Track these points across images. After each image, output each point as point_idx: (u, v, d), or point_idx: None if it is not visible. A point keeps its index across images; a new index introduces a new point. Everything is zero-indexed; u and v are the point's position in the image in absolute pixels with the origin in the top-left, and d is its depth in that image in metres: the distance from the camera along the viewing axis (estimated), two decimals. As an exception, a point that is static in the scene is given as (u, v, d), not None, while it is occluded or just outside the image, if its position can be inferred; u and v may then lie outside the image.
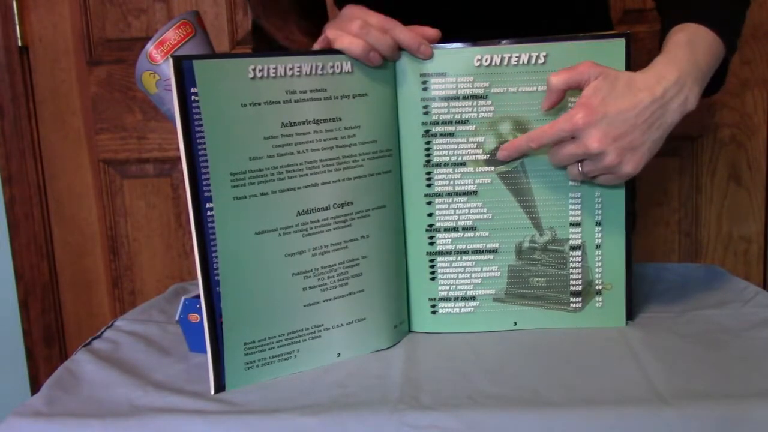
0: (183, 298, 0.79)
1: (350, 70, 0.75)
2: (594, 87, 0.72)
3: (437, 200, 0.80)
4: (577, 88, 0.74)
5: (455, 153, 0.79)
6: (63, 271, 1.64)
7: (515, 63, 0.77)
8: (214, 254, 0.69)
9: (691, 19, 0.78)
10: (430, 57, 0.77)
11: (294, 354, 0.74)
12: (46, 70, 1.56)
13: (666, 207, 1.54)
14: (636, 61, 0.77)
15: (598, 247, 0.80)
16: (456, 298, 0.81)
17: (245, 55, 0.70)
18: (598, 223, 0.80)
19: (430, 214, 0.80)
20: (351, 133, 0.75)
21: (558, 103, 0.75)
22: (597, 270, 0.81)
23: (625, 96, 0.72)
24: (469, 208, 0.80)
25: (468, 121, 0.78)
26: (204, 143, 0.67)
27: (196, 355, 0.78)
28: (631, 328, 0.80)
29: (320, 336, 0.75)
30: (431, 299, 0.81)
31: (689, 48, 0.75)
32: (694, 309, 0.84)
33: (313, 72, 0.72)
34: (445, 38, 0.77)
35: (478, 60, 0.77)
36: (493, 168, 0.79)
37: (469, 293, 0.81)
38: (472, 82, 0.77)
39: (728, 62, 0.81)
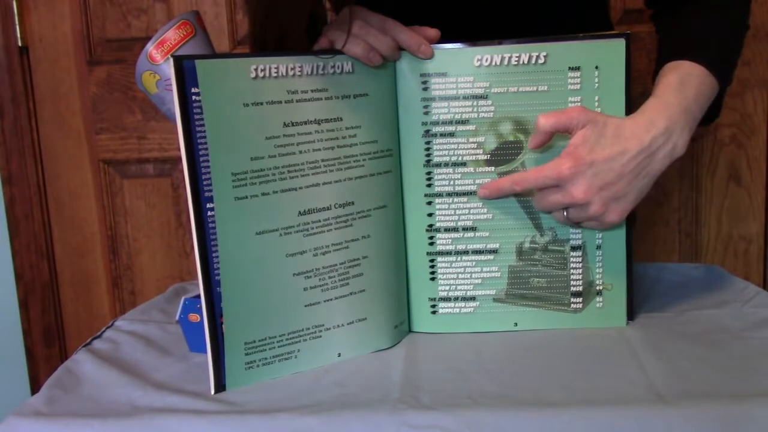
0: (183, 298, 0.79)
1: (351, 71, 0.75)
2: (582, 136, 0.73)
3: (437, 200, 0.80)
4: (564, 132, 0.75)
5: (455, 153, 0.79)
6: (63, 271, 1.64)
7: (515, 63, 0.77)
8: (214, 254, 0.69)
9: (685, 56, 0.78)
10: (431, 57, 0.77)
11: (294, 354, 0.74)
12: (46, 70, 1.56)
13: (666, 207, 1.54)
14: (636, 61, 0.77)
15: (598, 247, 0.80)
16: (456, 299, 0.81)
17: (247, 55, 0.70)
18: (599, 223, 0.80)
19: (430, 214, 0.80)
20: (352, 133, 0.75)
21: (544, 144, 0.76)
22: (597, 270, 0.81)
23: (613, 145, 0.72)
24: (470, 209, 0.80)
25: (468, 121, 0.78)
26: (204, 143, 0.67)
27: (196, 355, 0.78)
28: (632, 328, 0.80)
29: (321, 336, 0.75)
30: (431, 299, 0.81)
31: (680, 91, 0.76)
32: (694, 309, 0.84)
33: (315, 72, 0.73)
34: (445, 38, 0.77)
35: (478, 60, 0.77)
36: (493, 168, 0.79)
37: (470, 293, 0.81)
38: (473, 82, 0.77)
39: (724, 94, 0.81)
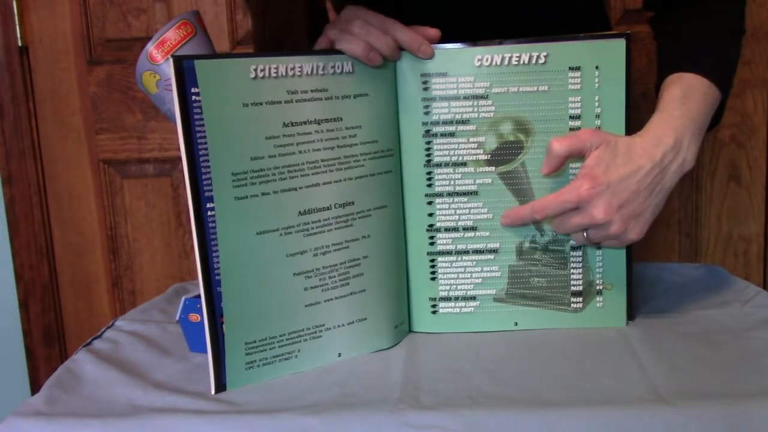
0: (183, 298, 0.79)
1: (351, 70, 0.75)
2: (596, 157, 0.73)
3: (438, 200, 0.80)
4: (578, 155, 0.75)
5: (456, 153, 0.79)
6: (63, 271, 1.64)
7: (516, 63, 0.77)
8: (214, 254, 0.69)
9: (687, 68, 0.78)
10: (431, 57, 0.77)
11: (295, 354, 0.74)
12: (46, 70, 1.56)
13: (666, 207, 1.53)
14: (636, 61, 0.77)
15: (598, 247, 0.80)
16: (456, 298, 0.81)
17: (247, 55, 0.70)
18: (599, 223, 0.80)
19: (430, 214, 0.80)
20: (352, 133, 0.75)
21: (558, 169, 0.76)
22: (597, 270, 0.81)
23: (626, 163, 0.73)
24: (470, 208, 0.80)
25: (469, 120, 0.78)
26: (204, 143, 0.67)
27: (196, 355, 0.78)
28: (632, 328, 0.80)
29: (321, 336, 0.75)
30: (432, 299, 0.81)
31: (685, 105, 0.76)
32: (694, 309, 0.84)
33: (314, 72, 0.73)
34: (446, 38, 0.77)
35: (478, 60, 0.77)
36: (493, 168, 0.79)
37: (470, 293, 0.81)
38: (473, 82, 0.77)
39: (725, 101, 0.81)
